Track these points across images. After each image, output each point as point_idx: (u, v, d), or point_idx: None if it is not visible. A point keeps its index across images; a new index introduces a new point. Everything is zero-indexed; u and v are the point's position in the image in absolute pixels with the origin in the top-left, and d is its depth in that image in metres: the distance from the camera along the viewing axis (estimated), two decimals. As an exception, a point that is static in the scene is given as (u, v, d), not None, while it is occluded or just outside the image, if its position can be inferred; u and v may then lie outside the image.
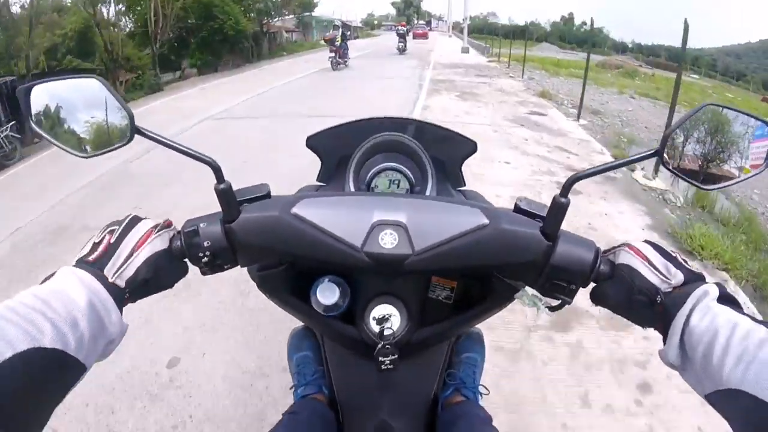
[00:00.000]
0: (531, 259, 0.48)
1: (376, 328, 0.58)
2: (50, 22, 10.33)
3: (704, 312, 0.39)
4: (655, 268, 0.45)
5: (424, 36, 39.55)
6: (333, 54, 12.66)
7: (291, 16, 29.49)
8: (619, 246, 0.49)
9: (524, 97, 8.51)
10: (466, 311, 0.61)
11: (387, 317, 0.58)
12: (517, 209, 0.51)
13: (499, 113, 6.82)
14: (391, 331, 0.57)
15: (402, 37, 20.01)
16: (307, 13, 31.16)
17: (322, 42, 25.68)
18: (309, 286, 0.59)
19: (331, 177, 0.79)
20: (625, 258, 0.47)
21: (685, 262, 0.46)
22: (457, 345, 0.92)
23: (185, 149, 0.48)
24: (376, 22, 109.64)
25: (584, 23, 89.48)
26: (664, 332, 0.42)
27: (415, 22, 64.33)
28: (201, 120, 6.71)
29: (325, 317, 0.59)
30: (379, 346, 0.56)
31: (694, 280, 0.43)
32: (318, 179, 0.81)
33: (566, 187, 0.46)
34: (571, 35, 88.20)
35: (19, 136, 5.93)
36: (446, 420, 0.73)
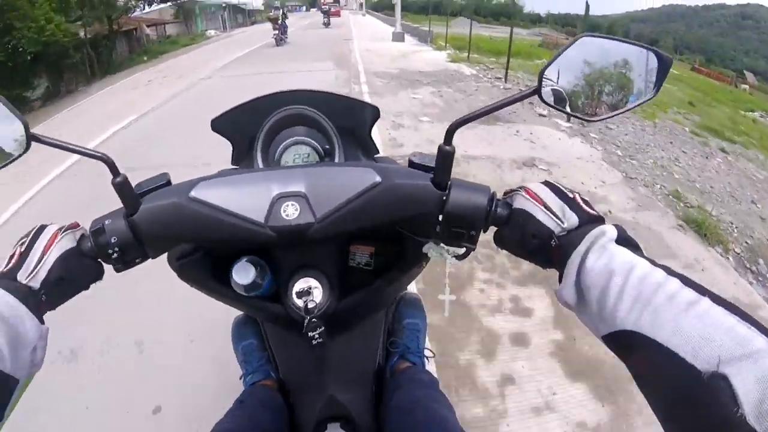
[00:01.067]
0: (427, 211, 0.49)
1: (300, 303, 0.57)
2: None
3: (600, 252, 0.39)
4: (550, 211, 0.45)
5: (338, 14, 36.66)
6: (276, 32, 14.55)
7: (165, 5, 22.79)
8: (516, 189, 0.49)
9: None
10: (386, 274, 0.62)
11: (308, 290, 0.57)
12: (411, 164, 0.52)
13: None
14: (314, 304, 0.56)
15: (326, 14, 22.61)
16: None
17: (211, 33, 23.09)
18: (229, 271, 0.57)
19: (244, 158, 0.76)
20: (521, 202, 0.47)
21: (585, 203, 0.45)
22: (396, 312, 0.92)
23: (80, 149, 0.47)
24: (277, 3, 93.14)
25: None
26: (561, 272, 0.42)
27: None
28: None
29: (248, 298, 0.58)
30: (306, 320, 0.55)
31: (590, 221, 0.43)
32: (232, 162, 0.77)
33: (449, 135, 0.47)
34: (485, 8, 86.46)
35: None
36: (392, 387, 0.74)
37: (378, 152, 0.78)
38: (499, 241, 0.50)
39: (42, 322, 0.45)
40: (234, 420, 0.71)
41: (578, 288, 0.40)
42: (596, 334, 0.39)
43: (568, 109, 0.47)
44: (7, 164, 0.49)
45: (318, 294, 0.57)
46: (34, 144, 0.47)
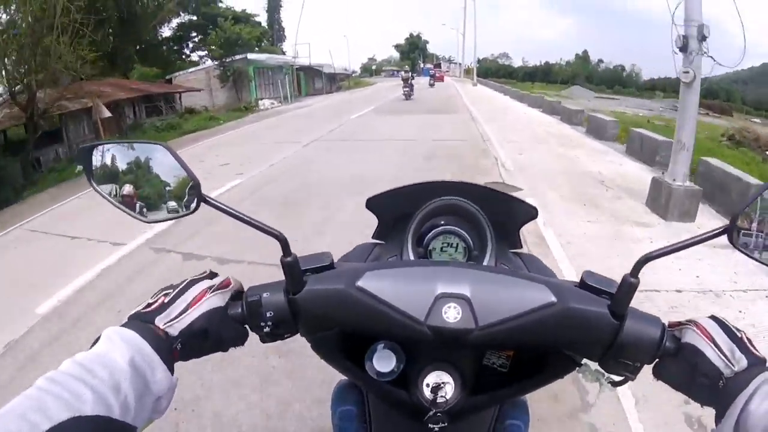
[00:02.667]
0: (598, 338, 0.48)
1: (429, 395, 0.55)
2: None
3: (764, 397, 0.40)
4: (721, 351, 0.44)
5: (441, 79, 38.92)
6: (407, 88, 18.71)
7: (208, 63, 19.33)
8: (685, 323, 0.49)
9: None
10: (521, 381, 0.59)
11: (441, 385, 0.55)
12: (583, 284, 0.50)
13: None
14: (444, 399, 0.54)
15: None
16: (240, 56, 18.78)
17: (265, 104, 18.89)
18: (362, 348, 0.57)
19: (388, 235, 0.79)
20: (691, 337, 0.46)
21: (750, 343, 0.45)
22: (500, 412, 0.85)
23: (253, 221, 0.49)
24: (374, 67, 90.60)
25: (601, 61, 77.75)
26: (721, 412, 0.42)
27: (421, 65, 57.11)
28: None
29: (378, 382, 0.57)
30: (431, 413, 0.54)
31: (757, 364, 0.44)
32: (374, 237, 0.80)
33: (637, 267, 0.46)
34: (597, 75, 75.16)
35: None
36: None
37: (521, 247, 0.78)
38: (660, 373, 0.49)
39: (172, 372, 0.44)
40: None
41: (737, 428, 0.40)
42: None
43: (761, 259, 0.46)
44: (169, 219, 0.52)
45: (449, 390, 0.56)
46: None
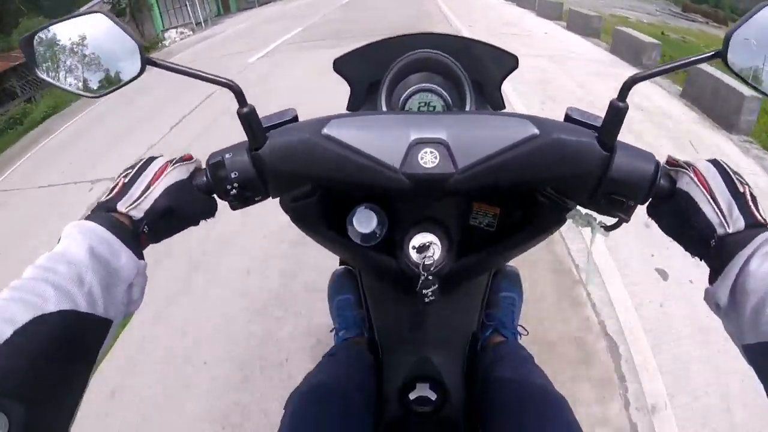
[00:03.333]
0: (587, 171, 0.45)
1: (416, 258, 0.55)
2: None
3: (764, 258, 0.36)
4: (717, 206, 0.41)
5: None
6: None
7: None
8: (683, 164, 0.45)
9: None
10: (510, 238, 0.58)
11: (427, 245, 0.55)
12: (569, 119, 0.47)
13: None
14: (432, 261, 0.54)
15: None
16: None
17: (173, 36, 12.71)
18: (344, 218, 0.56)
19: (361, 105, 0.70)
20: (687, 184, 0.43)
21: (754, 201, 0.41)
22: (493, 284, 0.89)
23: (202, 73, 0.45)
24: None
25: None
26: (717, 271, 0.40)
27: None
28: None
29: (361, 247, 0.57)
30: (423, 277, 0.53)
31: (756, 226, 0.40)
32: (348, 108, 0.70)
33: (624, 90, 0.42)
34: None
35: None
36: (488, 360, 0.73)
37: (504, 107, 0.74)
38: (654, 214, 0.47)
39: (141, 257, 0.43)
40: (327, 372, 0.71)
41: (733, 291, 0.38)
42: (739, 340, 0.38)
43: (752, 82, 0.42)
44: (120, 87, 0.48)
45: (437, 251, 0.55)
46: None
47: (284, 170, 0.48)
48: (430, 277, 0.53)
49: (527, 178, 0.47)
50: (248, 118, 0.47)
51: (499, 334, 0.85)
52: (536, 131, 0.44)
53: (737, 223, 0.40)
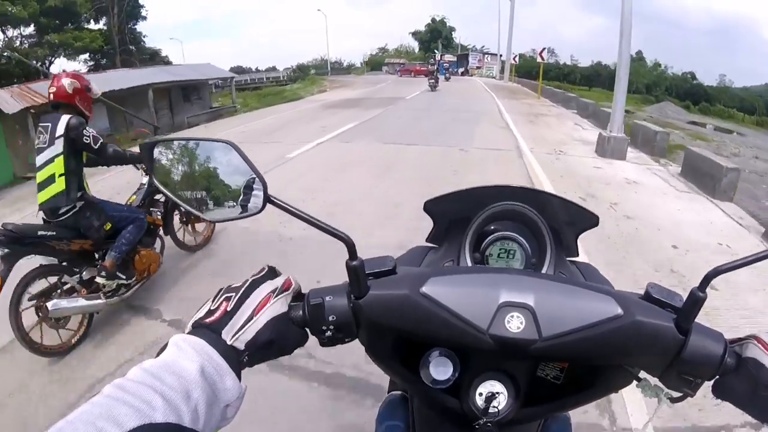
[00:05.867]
0: (662, 353, 0.47)
1: (481, 404, 0.55)
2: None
3: None
4: None
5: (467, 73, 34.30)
6: (432, 81, 19.00)
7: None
8: (746, 338, 0.48)
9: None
10: (574, 393, 0.58)
11: (495, 395, 0.55)
12: (648, 297, 0.49)
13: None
14: (496, 410, 0.54)
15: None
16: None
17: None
18: (415, 355, 0.56)
19: (443, 239, 0.77)
20: (753, 351, 0.46)
21: None
22: (544, 426, 0.83)
23: (320, 223, 0.48)
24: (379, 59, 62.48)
25: (658, 64, 51.04)
26: None
27: (437, 57, 29.69)
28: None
29: (431, 389, 0.56)
30: (482, 421, 0.54)
31: None
32: (428, 240, 0.79)
33: (706, 281, 0.46)
34: (678, 88, 49.16)
35: None
36: None
37: (578, 255, 0.77)
38: (720, 390, 0.48)
39: (240, 380, 0.44)
40: None
41: None
42: None
43: None
44: (236, 219, 0.51)
45: (503, 400, 0.56)
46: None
47: (380, 321, 0.50)
48: (489, 424, 0.54)
49: (605, 354, 0.48)
50: (356, 270, 0.49)
51: None
52: (620, 311, 0.46)
53: None
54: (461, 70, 46.77)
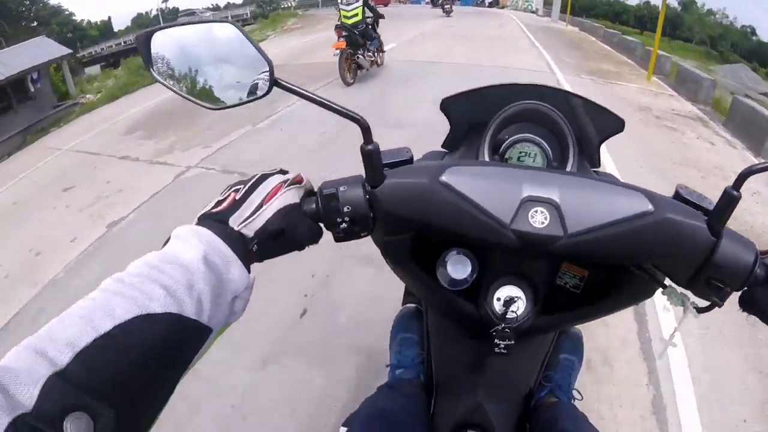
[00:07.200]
0: (693, 255, 0.45)
1: (499, 309, 0.55)
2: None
3: None
4: None
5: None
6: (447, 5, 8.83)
7: None
8: None
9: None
10: (595, 302, 0.57)
11: (513, 299, 0.55)
12: (678, 197, 0.48)
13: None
14: (514, 315, 0.54)
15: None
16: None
17: None
18: (433, 257, 0.56)
19: (458, 144, 0.73)
20: None
21: None
22: (555, 344, 0.89)
23: (331, 104, 0.45)
24: None
25: (712, 12, 38.86)
26: None
27: None
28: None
29: (447, 291, 0.57)
30: (499, 328, 0.54)
31: None
32: (443, 145, 0.74)
33: (740, 180, 0.43)
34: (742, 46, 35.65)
35: None
36: (543, 419, 0.73)
37: (599, 165, 0.73)
38: (748, 302, 0.47)
39: (249, 271, 0.43)
40: (384, 403, 0.74)
41: None
42: None
43: None
44: (243, 104, 0.48)
45: (521, 305, 0.55)
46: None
47: (397, 212, 0.48)
48: (507, 330, 0.53)
49: (633, 254, 0.47)
50: (371, 155, 0.47)
51: (554, 395, 0.85)
52: (650, 207, 0.44)
53: None
54: (489, 0, 34.45)
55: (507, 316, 0.54)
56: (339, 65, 5.60)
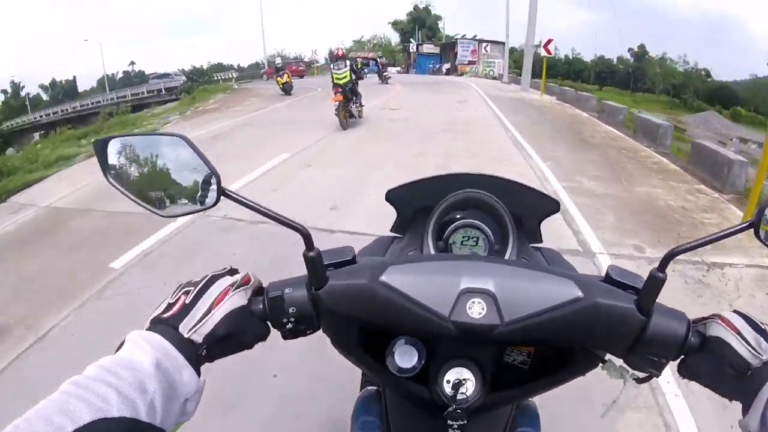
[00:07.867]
0: (623, 334, 0.48)
1: (449, 391, 0.55)
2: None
3: None
4: (746, 342, 0.45)
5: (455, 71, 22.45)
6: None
7: None
8: (709, 317, 0.49)
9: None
10: (542, 378, 0.59)
11: (462, 382, 0.55)
12: (608, 279, 0.50)
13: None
14: (464, 396, 0.55)
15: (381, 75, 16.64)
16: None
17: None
18: (382, 343, 0.56)
19: (407, 228, 0.78)
20: (716, 330, 0.47)
21: None
22: (511, 417, 0.83)
23: (274, 215, 0.48)
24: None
25: (669, 58, 41.49)
26: (747, 405, 0.43)
27: (414, 49, 28.38)
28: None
29: (397, 377, 0.56)
30: (451, 409, 0.54)
31: None
32: (392, 230, 0.79)
33: (665, 262, 0.46)
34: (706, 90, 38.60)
35: None
36: None
37: (541, 241, 0.78)
38: (686, 370, 0.49)
39: (199, 375, 0.44)
40: None
41: (764, 418, 0.41)
42: None
43: None
44: (191, 213, 0.51)
45: (470, 386, 0.56)
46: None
47: (340, 311, 0.50)
48: (459, 411, 0.54)
49: (567, 337, 0.49)
50: (313, 260, 0.48)
51: None
52: (579, 294, 0.46)
53: (767, 353, 0.44)
54: (446, 66, 33.77)
55: (457, 398, 0.55)
56: (337, 115, 7.67)
